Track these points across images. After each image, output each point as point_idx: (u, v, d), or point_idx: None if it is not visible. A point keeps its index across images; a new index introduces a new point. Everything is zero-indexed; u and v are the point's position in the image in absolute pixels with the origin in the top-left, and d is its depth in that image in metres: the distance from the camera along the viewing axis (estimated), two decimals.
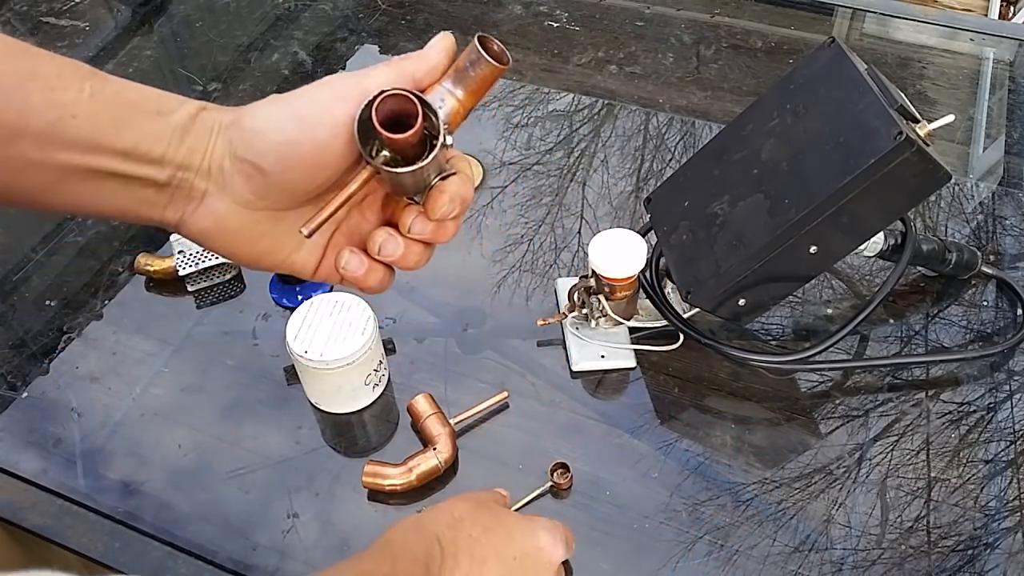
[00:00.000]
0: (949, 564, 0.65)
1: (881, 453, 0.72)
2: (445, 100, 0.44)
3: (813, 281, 0.74)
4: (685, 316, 0.76)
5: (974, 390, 0.76)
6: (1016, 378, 0.77)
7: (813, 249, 0.67)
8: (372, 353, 0.71)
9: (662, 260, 0.77)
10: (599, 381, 0.77)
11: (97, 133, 0.40)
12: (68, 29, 1.18)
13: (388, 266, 0.48)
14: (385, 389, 0.76)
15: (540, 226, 0.91)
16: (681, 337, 0.77)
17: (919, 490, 0.69)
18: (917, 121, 0.64)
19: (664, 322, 0.78)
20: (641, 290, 0.77)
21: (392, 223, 0.47)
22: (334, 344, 0.69)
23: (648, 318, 0.79)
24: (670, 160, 0.98)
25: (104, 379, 0.78)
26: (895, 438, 0.73)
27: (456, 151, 0.46)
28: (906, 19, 1.18)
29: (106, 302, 0.84)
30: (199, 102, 0.44)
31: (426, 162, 0.41)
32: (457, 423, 0.72)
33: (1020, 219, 0.91)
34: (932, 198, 0.92)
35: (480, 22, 1.18)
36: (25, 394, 0.77)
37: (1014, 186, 0.95)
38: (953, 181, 0.84)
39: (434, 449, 0.69)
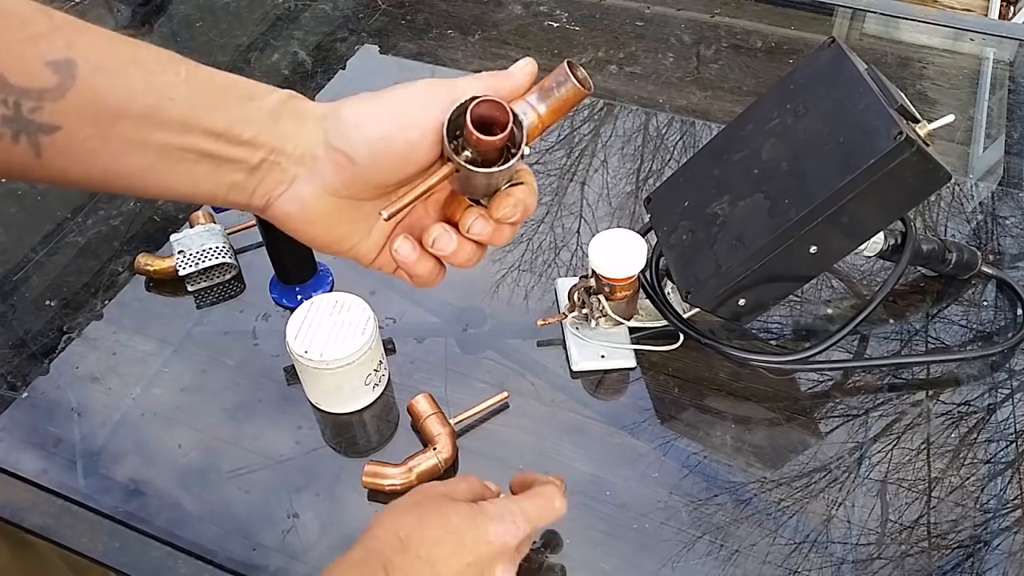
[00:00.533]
0: (949, 564, 0.65)
1: (881, 453, 0.72)
2: (527, 114, 0.46)
3: (813, 281, 0.74)
4: (685, 316, 0.76)
5: (974, 390, 0.76)
6: (1016, 378, 0.77)
7: (813, 249, 0.67)
8: (372, 353, 0.71)
9: (662, 260, 0.77)
10: (599, 381, 0.77)
11: (192, 114, 0.42)
12: None
13: (439, 261, 0.50)
14: (385, 389, 0.76)
15: (540, 226, 0.91)
16: (681, 337, 0.77)
17: (919, 490, 0.69)
18: (917, 121, 0.64)
19: (664, 322, 0.78)
20: (641, 290, 0.77)
21: (450, 222, 0.49)
22: (334, 344, 0.69)
23: (648, 318, 0.79)
24: (670, 160, 0.98)
25: (104, 379, 0.78)
26: (895, 438, 0.73)
27: (524, 166, 0.48)
28: (906, 19, 1.18)
29: (106, 302, 0.84)
30: (288, 90, 0.46)
31: (507, 166, 0.44)
32: (457, 423, 0.72)
33: (1020, 219, 0.91)
34: (932, 198, 0.92)
35: (480, 22, 1.18)
36: (25, 394, 0.77)
37: (1014, 186, 0.95)
38: (953, 181, 0.84)
39: (434, 449, 0.69)
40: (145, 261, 0.84)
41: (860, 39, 1.18)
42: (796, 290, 0.74)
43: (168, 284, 0.85)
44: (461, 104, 0.43)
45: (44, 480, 0.71)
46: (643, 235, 0.76)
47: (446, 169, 0.45)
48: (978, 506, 0.68)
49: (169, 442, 0.73)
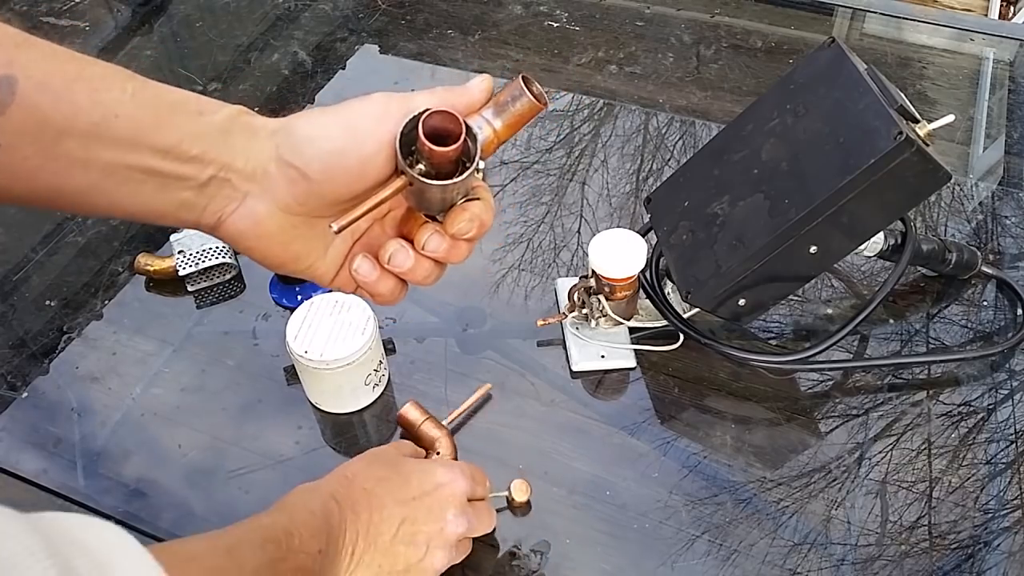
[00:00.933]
0: (949, 564, 0.65)
1: (881, 453, 0.72)
2: (483, 128, 0.46)
3: (813, 281, 0.74)
4: (685, 316, 0.76)
5: (974, 390, 0.76)
6: (1016, 378, 0.77)
7: (813, 249, 0.67)
8: (372, 353, 0.71)
9: (662, 260, 0.77)
10: (599, 381, 0.77)
11: (139, 131, 0.41)
12: (68, 29, 1.18)
13: (400, 279, 0.49)
14: (385, 389, 0.76)
15: (540, 226, 0.91)
16: (681, 337, 0.77)
17: (919, 490, 0.69)
18: (917, 121, 0.64)
19: (664, 322, 0.78)
20: (641, 290, 0.77)
21: (408, 239, 0.49)
22: (334, 344, 0.69)
23: (648, 318, 0.79)
24: (670, 160, 0.98)
25: (104, 379, 0.78)
26: (895, 438, 0.73)
27: (480, 181, 0.48)
28: (906, 19, 1.18)
29: (106, 302, 0.84)
30: (238, 106, 0.45)
31: (460, 179, 0.44)
32: (450, 423, 0.72)
33: (1020, 219, 0.91)
34: (932, 198, 0.92)
35: (480, 22, 1.18)
36: (25, 394, 0.77)
37: (1014, 186, 0.95)
38: (953, 181, 0.84)
39: (436, 454, 0.69)
40: (145, 261, 0.84)
41: (860, 39, 1.18)
42: (796, 290, 0.74)
43: (168, 284, 0.85)
44: (414, 116, 0.43)
45: (44, 480, 0.71)
46: (643, 235, 0.76)
47: (399, 182, 0.44)
48: (978, 506, 0.68)
49: (169, 442, 0.73)
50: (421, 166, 0.44)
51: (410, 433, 0.71)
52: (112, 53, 1.14)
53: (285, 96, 1.07)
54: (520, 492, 0.67)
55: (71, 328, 0.82)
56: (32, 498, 0.69)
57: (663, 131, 1.03)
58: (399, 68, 1.12)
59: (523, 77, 0.46)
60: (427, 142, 0.42)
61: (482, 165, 0.45)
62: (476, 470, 0.63)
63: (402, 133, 0.43)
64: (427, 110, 0.43)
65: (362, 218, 0.44)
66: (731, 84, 1.08)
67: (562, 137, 1.01)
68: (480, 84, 0.47)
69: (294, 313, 0.72)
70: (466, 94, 0.46)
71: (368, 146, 0.43)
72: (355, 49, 1.15)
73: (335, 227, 0.44)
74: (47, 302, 0.85)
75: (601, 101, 1.07)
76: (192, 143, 0.42)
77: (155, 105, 0.42)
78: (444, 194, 0.45)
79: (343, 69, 1.11)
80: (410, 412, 0.71)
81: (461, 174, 0.44)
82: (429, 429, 0.70)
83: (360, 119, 0.44)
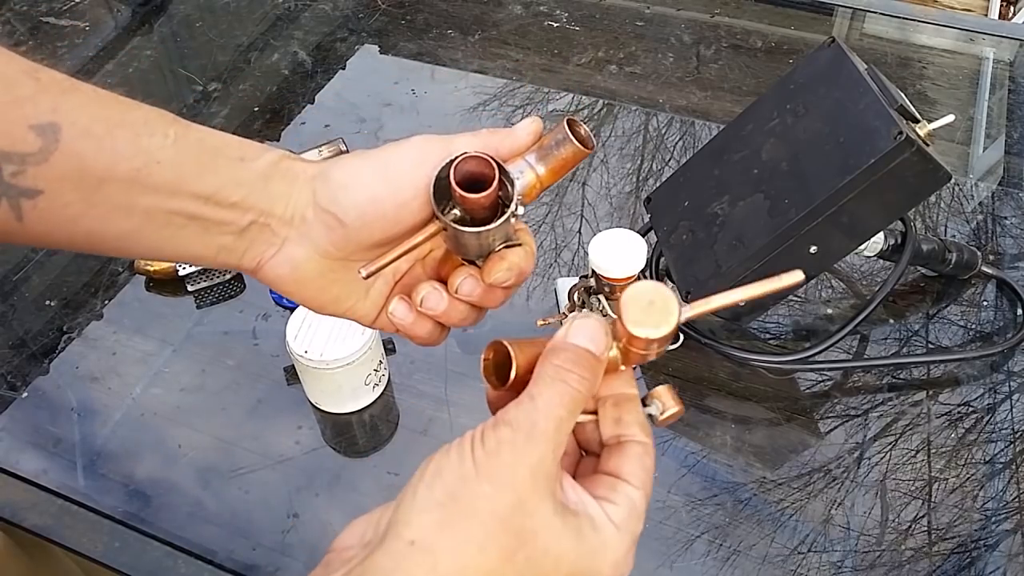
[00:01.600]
0: (949, 565, 0.65)
1: (881, 453, 0.72)
2: (524, 173, 0.45)
3: (813, 281, 0.74)
4: None
5: (974, 390, 0.76)
6: (1016, 378, 0.77)
7: (813, 249, 0.67)
8: (372, 353, 0.71)
9: (662, 260, 0.77)
10: None
11: (180, 178, 0.41)
12: (68, 29, 1.18)
13: (439, 322, 0.48)
14: (385, 389, 0.76)
15: (540, 225, 0.91)
16: (681, 337, 0.77)
17: (919, 490, 0.69)
18: (917, 121, 0.64)
19: None
20: None
21: (445, 280, 0.47)
22: (334, 344, 0.69)
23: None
24: (670, 160, 0.98)
25: (104, 379, 0.78)
26: (895, 438, 0.73)
27: (524, 225, 0.46)
28: (906, 19, 1.18)
29: (106, 302, 0.84)
30: (280, 150, 0.44)
31: (493, 226, 0.42)
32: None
33: (1020, 219, 0.91)
34: (932, 198, 0.92)
35: (480, 22, 1.18)
36: (25, 394, 0.77)
37: (1014, 186, 0.95)
38: (953, 181, 0.84)
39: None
40: (145, 261, 0.84)
41: (860, 39, 1.18)
42: (796, 290, 0.74)
43: (168, 284, 0.85)
44: (449, 161, 0.42)
45: (44, 480, 0.71)
46: (643, 235, 0.76)
47: (432, 228, 0.43)
48: (978, 507, 0.68)
49: (169, 442, 0.73)
50: (456, 211, 0.42)
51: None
52: (112, 53, 1.14)
53: (285, 96, 1.07)
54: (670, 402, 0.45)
55: (71, 328, 0.82)
56: (32, 498, 0.69)
57: (663, 131, 1.03)
58: (399, 68, 1.12)
59: (568, 121, 0.44)
60: (458, 188, 0.41)
61: (520, 211, 0.43)
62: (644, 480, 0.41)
63: (437, 178, 0.42)
64: (463, 154, 0.42)
65: (394, 262, 0.44)
66: (731, 84, 1.08)
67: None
68: (527, 128, 0.45)
69: (294, 313, 0.72)
70: (511, 137, 0.45)
71: (404, 192, 0.42)
72: (355, 49, 1.15)
73: (364, 272, 0.43)
74: (47, 302, 0.85)
75: (601, 101, 1.07)
76: (233, 190, 0.42)
77: (197, 151, 0.42)
78: (479, 240, 0.44)
79: (343, 69, 1.12)
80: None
81: (498, 219, 0.43)
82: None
83: (396, 164, 0.43)
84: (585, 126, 0.45)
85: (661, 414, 0.47)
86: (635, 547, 0.38)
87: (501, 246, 0.45)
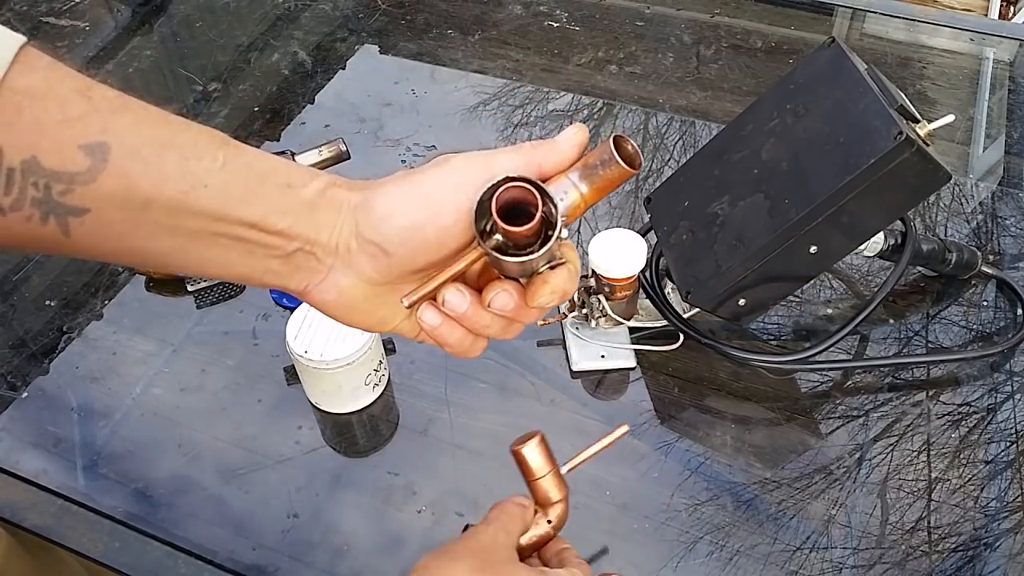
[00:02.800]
0: (950, 565, 0.65)
1: (881, 453, 0.72)
2: (568, 193, 0.43)
3: (813, 281, 0.74)
4: (685, 316, 0.76)
5: (974, 390, 0.76)
6: (1016, 378, 0.77)
7: (813, 249, 0.67)
8: (372, 353, 0.71)
9: (662, 260, 0.77)
10: (599, 381, 0.77)
11: (226, 203, 0.41)
12: (68, 29, 1.18)
13: (472, 332, 0.47)
14: (385, 389, 0.76)
15: None
16: (681, 337, 0.77)
17: (920, 490, 0.69)
18: (917, 121, 0.64)
19: (664, 322, 0.78)
20: (641, 290, 0.77)
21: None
22: (334, 344, 0.69)
23: (648, 318, 0.79)
24: (670, 160, 0.98)
25: (104, 379, 0.78)
26: (895, 438, 0.73)
27: (568, 242, 0.45)
28: (906, 19, 1.18)
29: (106, 302, 0.84)
30: (328, 176, 0.44)
31: (536, 255, 0.41)
32: (569, 471, 0.57)
33: (1020, 219, 0.91)
34: (932, 198, 0.92)
35: (480, 22, 1.18)
36: (25, 394, 0.77)
37: (1014, 186, 0.95)
38: (953, 181, 0.84)
39: (548, 522, 0.55)
40: None
41: (860, 39, 1.18)
42: (796, 290, 0.74)
43: (168, 284, 0.85)
44: (490, 187, 0.40)
45: (44, 480, 0.71)
46: (643, 235, 0.76)
47: (474, 254, 0.43)
48: (979, 507, 0.68)
49: (169, 442, 0.73)
50: (498, 236, 0.41)
51: (525, 478, 0.55)
52: (112, 53, 1.14)
53: (285, 96, 1.07)
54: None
55: (71, 328, 0.82)
56: (32, 498, 0.69)
57: (663, 131, 1.02)
58: (399, 68, 1.12)
59: (615, 139, 0.42)
60: (500, 221, 0.40)
61: (565, 234, 0.42)
62: None
63: (478, 202, 0.41)
64: (504, 180, 0.40)
65: (435, 292, 0.44)
66: (731, 84, 1.08)
67: None
68: (572, 139, 0.44)
69: (294, 313, 0.72)
70: (555, 151, 0.43)
71: (445, 217, 0.42)
72: (355, 49, 1.15)
73: (406, 303, 0.44)
74: (47, 302, 0.85)
75: (601, 101, 1.07)
76: (279, 218, 0.42)
77: (245, 175, 0.42)
78: (522, 267, 0.43)
79: (343, 69, 1.11)
80: (533, 456, 0.54)
81: (541, 245, 0.41)
82: (550, 487, 0.55)
83: (437, 190, 0.42)
84: (633, 143, 0.43)
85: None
86: None
87: (545, 266, 0.44)
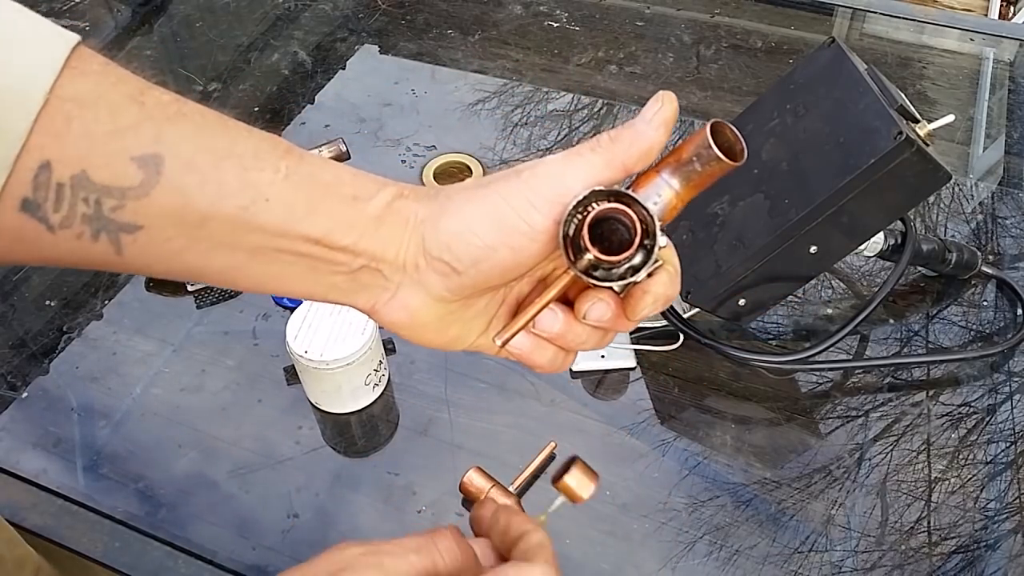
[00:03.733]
0: (949, 565, 0.65)
1: (881, 454, 0.72)
2: (662, 194, 0.38)
3: (813, 281, 0.74)
4: (685, 316, 0.76)
5: (974, 390, 0.76)
6: (1016, 378, 0.77)
7: (813, 249, 0.67)
8: (372, 353, 0.71)
9: None
10: (599, 381, 0.77)
11: (289, 218, 0.38)
12: (68, 29, 1.18)
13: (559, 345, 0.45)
14: (385, 389, 0.76)
15: None
16: (681, 337, 0.77)
17: (919, 491, 0.69)
18: (917, 121, 0.64)
19: (664, 322, 0.78)
20: None
21: (572, 302, 0.43)
22: (334, 344, 0.69)
23: (648, 318, 0.79)
24: None
25: (104, 379, 0.78)
26: (895, 438, 0.73)
27: (666, 240, 0.39)
28: (906, 19, 1.18)
29: (106, 302, 0.84)
30: (395, 186, 0.41)
31: (638, 279, 0.38)
32: (517, 488, 0.67)
33: (1020, 219, 0.91)
34: (932, 198, 0.92)
35: (480, 22, 1.18)
36: (25, 394, 0.77)
37: (1014, 186, 0.95)
38: (953, 181, 0.84)
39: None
40: None
41: (860, 39, 1.18)
42: (796, 290, 0.74)
43: (168, 284, 0.85)
44: (575, 207, 0.36)
45: (44, 480, 0.71)
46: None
47: (567, 278, 0.39)
48: (978, 507, 0.68)
49: (169, 442, 0.73)
50: (589, 256, 0.37)
51: (469, 503, 0.65)
52: (112, 53, 1.14)
53: (285, 96, 1.07)
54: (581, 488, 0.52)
55: (71, 328, 0.82)
56: (32, 498, 0.69)
57: None
58: (399, 68, 1.12)
59: (712, 125, 0.37)
60: (594, 249, 0.36)
61: (664, 241, 0.37)
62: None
63: (564, 235, 0.37)
64: (587, 199, 0.36)
65: (529, 322, 0.41)
66: (731, 84, 1.08)
67: (562, 137, 1.01)
68: (656, 118, 0.38)
69: (294, 313, 0.72)
70: (639, 140, 0.38)
71: (519, 237, 0.38)
72: (355, 49, 1.15)
73: (499, 342, 0.42)
74: (47, 302, 0.85)
75: (601, 101, 1.07)
76: (344, 233, 0.39)
77: (308, 187, 0.39)
78: (623, 288, 0.40)
79: (343, 69, 1.12)
80: (473, 481, 0.64)
81: (639, 267, 0.37)
82: (497, 497, 0.61)
83: (508, 209, 0.39)
84: (733, 128, 0.37)
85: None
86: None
87: (643, 275, 0.39)
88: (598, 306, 0.41)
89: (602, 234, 0.37)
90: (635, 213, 0.36)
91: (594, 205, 0.37)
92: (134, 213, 0.35)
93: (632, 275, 0.37)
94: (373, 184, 0.41)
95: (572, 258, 0.37)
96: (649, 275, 0.39)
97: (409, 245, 0.40)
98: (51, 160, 0.34)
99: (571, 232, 0.37)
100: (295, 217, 0.38)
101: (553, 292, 0.40)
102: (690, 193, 0.38)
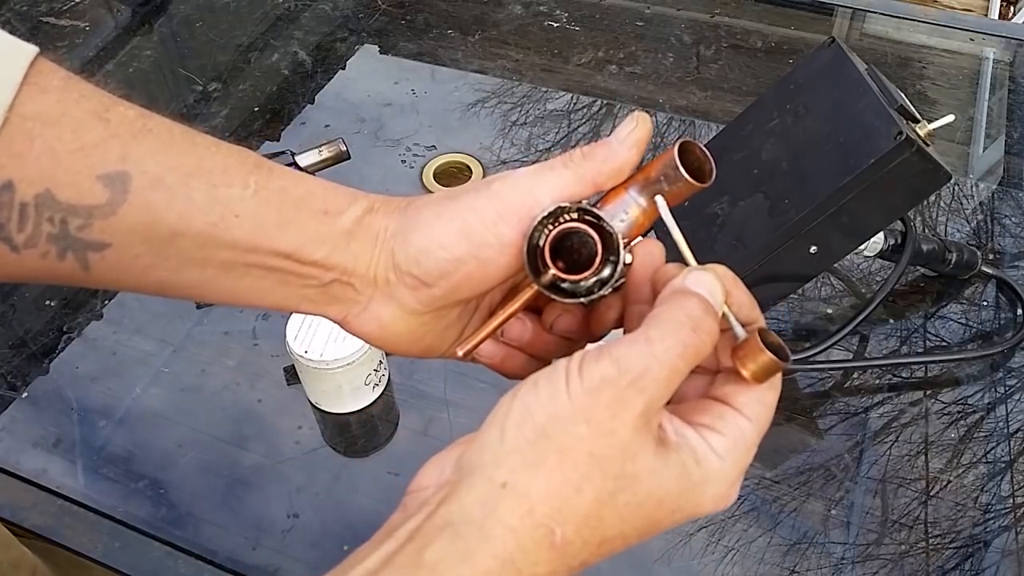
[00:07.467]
0: (948, 563, 0.65)
1: (880, 452, 0.72)
2: (629, 211, 0.38)
3: (813, 281, 0.74)
4: None
5: (974, 390, 0.76)
6: (1016, 378, 0.77)
7: (813, 249, 0.67)
8: (372, 353, 0.71)
9: None
10: None
11: (259, 233, 0.38)
12: (68, 29, 1.18)
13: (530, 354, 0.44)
14: (385, 389, 0.76)
15: None
16: None
17: (918, 489, 0.69)
18: (917, 121, 0.64)
19: None
20: None
21: (540, 311, 0.43)
22: (334, 344, 0.69)
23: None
24: None
25: (104, 379, 0.78)
26: (894, 437, 0.73)
27: (631, 258, 0.39)
28: (906, 19, 1.18)
29: (106, 302, 0.84)
30: (367, 199, 0.41)
31: (604, 293, 0.38)
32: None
33: (1020, 219, 0.91)
34: (932, 198, 0.92)
35: (480, 22, 1.18)
36: (25, 394, 0.77)
37: (1014, 186, 0.95)
38: (953, 181, 0.84)
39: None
40: None
41: (860, 39, 1.18)
42: (796, 290, 0.74)
43: None
44: (539, 222, 0.37)
45: (44, 480, 0.71)
46: (643, 235, 0.76)
47: (529, 292, 0.39)
48: (977, 506, 0.68)
49: (169, 442, 0.73)
50: (554, 272, 0.37)
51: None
52: (112, 53, 1.14)
53: (285, 96, 1.07)
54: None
55: (71, 328, 0.82)
56: (32, 498, 0.69)
57: (663, 131, 1.02)
58: (399, 68, 1.12)
59: (681, 145, 0.37)
60: (554, 268, 0.36)
61: (628, 259, 0.38)
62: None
63: (528, 248, 0.37)
64: (553, 215, 0.36)
65: (491, 334, 0.41)
66: (731, 84, 1.08)
67: (561, 137, 1.01)
68: (629, 138, 0.38)
69: (294, 313, 0.72)
70: (610, 158, 0.38)
71: (487, 250, 0.38)
72: (355, 49, 1.15)
73: (460, 352, 0.41)
74: (47, 302, 0.85)
75: (601, 101, 1.07)
76: (315, 248, 0.39)
77: (279, 203, 0.39)
78: (586, 306, 0.40)
79: (343, 69, 1.11)
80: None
81: (601, 286, 0.37)
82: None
83: (477, 221, 0.38)
84: (704, 148, 0.37)
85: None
86: (741, 479, 0.38)
87: (609, 289, 0.38)
88: (564, 318, 0.41)
89: (571, 247, 0.38)
90: (596, 232, 0.36)
91: (563, 219, 0.37)
92: (101, 232, 0.35)
93: (599, 289, 0.37)
94: (344, 198, 0.40)
95: (537, 272, 0.37)
96: (615, 290, 0.39)
97: (379, 259, 0.40)
98: (13, 180, 0.33)
99: (540, 244, 0.37)
100: (265, 232, 0.38)
101: (518, 303, 0.40)
102: (656, 211, 0.38)
